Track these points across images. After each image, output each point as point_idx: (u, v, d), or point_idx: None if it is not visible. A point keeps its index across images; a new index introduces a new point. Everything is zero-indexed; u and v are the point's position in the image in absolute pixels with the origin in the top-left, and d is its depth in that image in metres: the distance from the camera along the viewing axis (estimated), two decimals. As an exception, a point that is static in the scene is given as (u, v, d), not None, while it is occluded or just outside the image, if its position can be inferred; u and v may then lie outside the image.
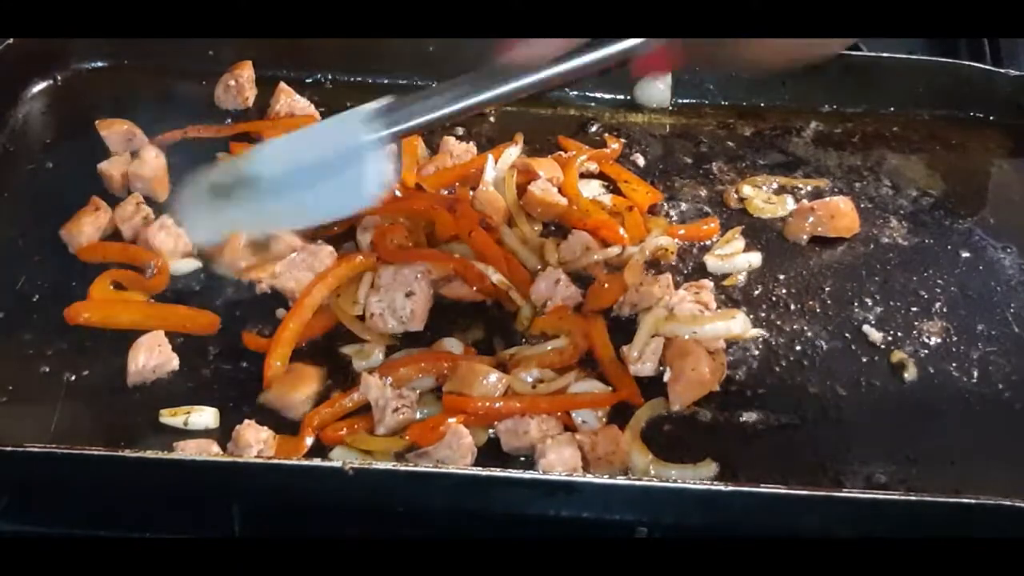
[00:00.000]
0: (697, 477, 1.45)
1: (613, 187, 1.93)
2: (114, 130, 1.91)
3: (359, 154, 1.43)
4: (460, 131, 2.01)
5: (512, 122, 2.05)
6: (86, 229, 1.73)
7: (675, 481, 1.39)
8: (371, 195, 1.47)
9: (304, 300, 1.62)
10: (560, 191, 1.85)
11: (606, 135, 2.04)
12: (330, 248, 1.70)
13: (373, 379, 1.52)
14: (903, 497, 1.36)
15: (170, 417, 1.49)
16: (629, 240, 1.77)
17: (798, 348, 1.66)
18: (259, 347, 1.58)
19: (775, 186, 1.96)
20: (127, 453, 1.36)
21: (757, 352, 1.65)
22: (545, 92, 1.53)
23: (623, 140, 2.03)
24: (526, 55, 1.42)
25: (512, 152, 1.93)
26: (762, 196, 1.92)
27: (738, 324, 1.66)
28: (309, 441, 1.48)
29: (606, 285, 1.69)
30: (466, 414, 1.49)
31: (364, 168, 1.43)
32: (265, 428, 1.46)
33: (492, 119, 2.07)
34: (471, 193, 1.85)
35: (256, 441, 1.43)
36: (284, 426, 1.49)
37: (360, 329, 1.63)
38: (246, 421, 1.47)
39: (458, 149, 1.94)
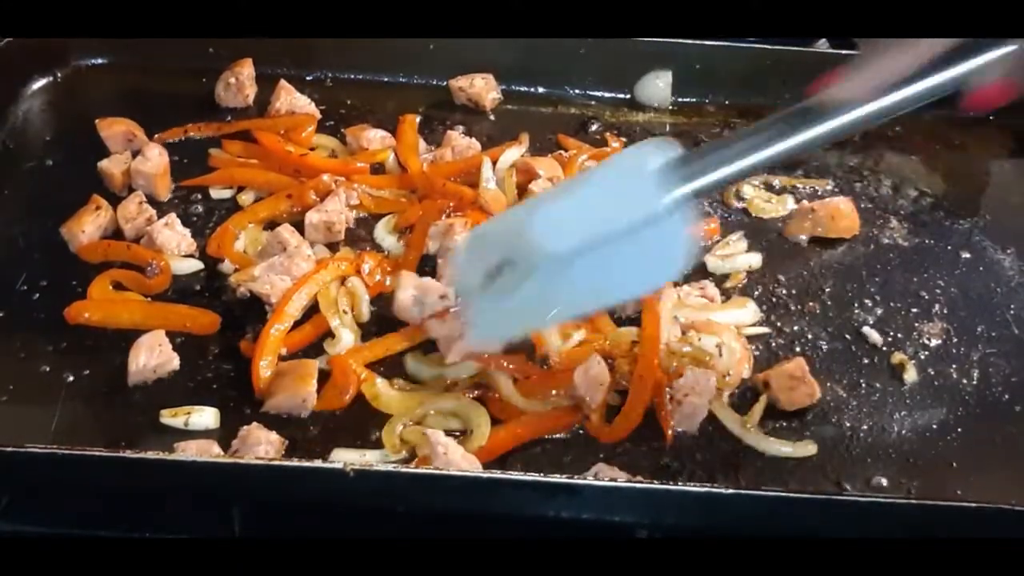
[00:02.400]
0: (796, 454, 1.49)
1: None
2: (114, 130, 1.91)
3: (657, 221, 1.20)
4: (461, 128, 2.01)
5: (512, 121, 2.05)
6: (87, 228, 1.73)
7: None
8: (676, 267, 1.25)
9: (283, 306, 1.60)
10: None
11: (607, 134, 2.04)
12: (308, 251, 1.69)
13: (434, 321, 1.56)
14: (903, 500, 1.36)
15: (170, 417, 1.49)
16: None
17: (798, 349, 1.66)
18: (252, 352, 1.58)
19: (776, 185, 1.96)
20: (127, 453, 1.36)
21: (757, 353, 1.65)
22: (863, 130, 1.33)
23: (623, 139, 2.03)
24: (848, 90, 1.24)
25: (514, 152, 1.93)
26: (762, 196, 1.92)
27: (749, 313, 1.69)
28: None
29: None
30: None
31: (664, 237, 1.21)
32: (273, 431, 1.46)
33: (492, 117, 2.07)
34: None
35: (266, 441, 1.43)
36: (287, 427, 1.49)
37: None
38: (254, 424, 1.47)
39: (460, 144, 1.94)
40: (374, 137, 1.95)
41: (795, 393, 1.55)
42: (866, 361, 1.64)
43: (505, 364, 1.56)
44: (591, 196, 1.29)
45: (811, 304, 1.73)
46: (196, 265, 1.73)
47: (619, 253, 1.21)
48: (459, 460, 1.41)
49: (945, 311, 1.73)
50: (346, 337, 1.61)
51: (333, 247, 1.76)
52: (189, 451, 1.41)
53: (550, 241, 1.23)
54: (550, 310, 1.31)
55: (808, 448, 1.50)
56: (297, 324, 1.62)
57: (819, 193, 1.95)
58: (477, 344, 1.48)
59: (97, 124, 1.91)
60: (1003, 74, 1.25)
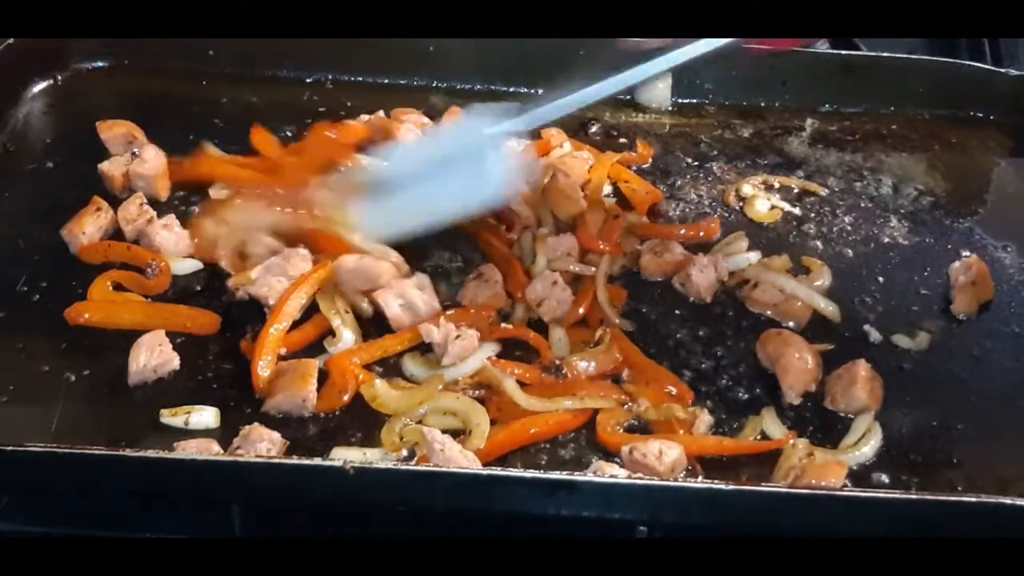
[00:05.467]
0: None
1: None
2: (114, 132, 1.91)
3: (480, 151, 1.50)
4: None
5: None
6: (88, 229, 1.73)
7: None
8: (499, 189, 1.52)
9: (282, 306, 1.60)
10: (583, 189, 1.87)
11: (637, 139, 2.04)
12: (304, 251, 1.68)
13: (429, 325, 1.58)
14: (904, 496, 1.36)
15: (170, 417, 1.49)
16: (609, 250, 1.77)
17: (798, 347, 1.65)
18: (251, 351, 1.58)
19: (775, 186, 1.96)
20: (127, 453, 1.35)
21: (758, 352, 1.65)
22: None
23: (623, 140, 2.03)
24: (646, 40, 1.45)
25: (560, 151, 1.96)
26: (763, 203, 1.92)
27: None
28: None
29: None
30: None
31: (490, 163, 1.50)
32: (276, 432, 1.46)
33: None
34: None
35: (268, 439, 1.43)
36: (287, 427, 1.49)
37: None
38: (256, 423, 1.46)
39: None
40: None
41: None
42: (866, 359, 1.63)
43: (512, 369, 1.56)
44: (436, 134, 1.83)
45: (811, 303, 1.73)
46: (196, 265, 1.73)
47: (450, 179, 1.57)
48: (457, 457, 1.41)
49: (945, 309, 1.73)
50: (347, 336, 1.61)
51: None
52: (189, 450, 1.41)
53: (408, 163, 1.64)
54: (411, 216, 1.64)
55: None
56: (297, 324, 1.62)
57: (818, 197, 1.95)
58: (367, 234, 1.69)
59: (98, 126, 1.91)
60: None
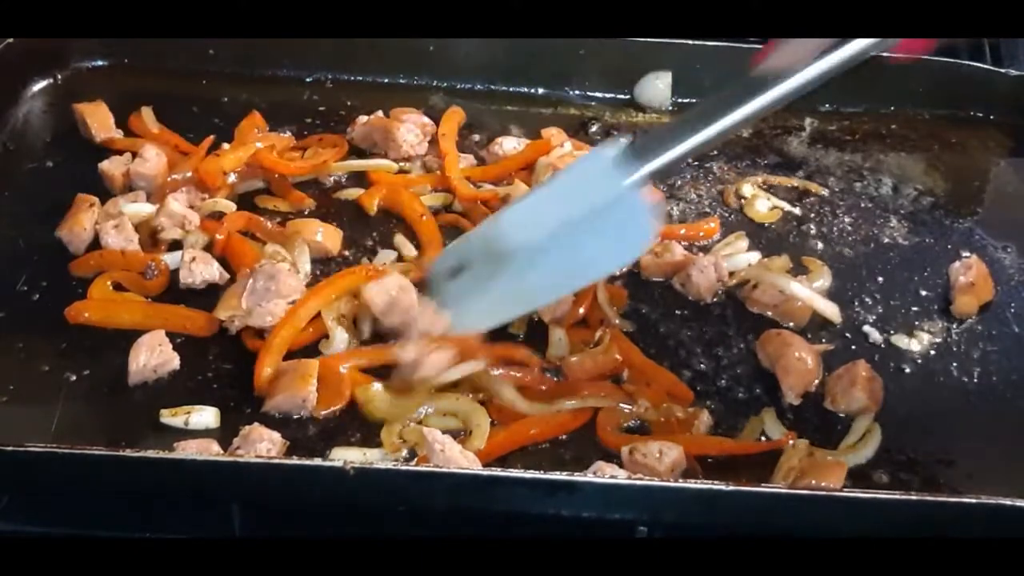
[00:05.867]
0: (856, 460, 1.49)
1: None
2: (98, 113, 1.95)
3: (617, 203, 1.31)
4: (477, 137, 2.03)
5: (512, 121, 2.06)
6: (87, 225, 1.73)
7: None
8: (640, 244, 1.36)
9: (299, 310, 1.60)
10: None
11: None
12: (286, 266, 1.65)
13: (403, 346, 1.54)
14: (904, 497, 1.35)
15: (170, 417, 1.49)
16: None
17: (798, 348, 1.66)
18: (258, 347, 1.58)
19: (775, 186, 1.96)
20: (127, 453, 1.35)
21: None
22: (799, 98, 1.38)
23: (624, 140, 2.03)
24: (781, 62, 1.32)
25: (560, 151, 1.94)
26: (763, 203, 1.92)
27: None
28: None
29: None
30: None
31: (626, 217, 1.32)
32: (276, 432, 1.46)
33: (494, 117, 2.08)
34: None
35: (268, 439, 1.43)
36: (287, 427, 1.49)
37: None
38: (256, 423, 1.46)
39: (508, 145, 1.97)
40: (509, 147, 1.96)
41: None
42: (866, 359, 1.63)
43: (509, 373, 1.56)
44: (553, 191, 1.48)
45: (811, 303, 1.73)
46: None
47: (585, 238, 1.33)
48: (457, 458, 1.41)
49: (945, 309, 1.73)
50: (339, 338, 1.60)
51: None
52: (189, 450, 1.41)
53: (517, 232, 1.36)
54: (528, 295, 1.42)
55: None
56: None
57: (819, 198, 1.95)
58: (460, 330, 1.51)
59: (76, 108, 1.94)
60: None
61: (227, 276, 1.69)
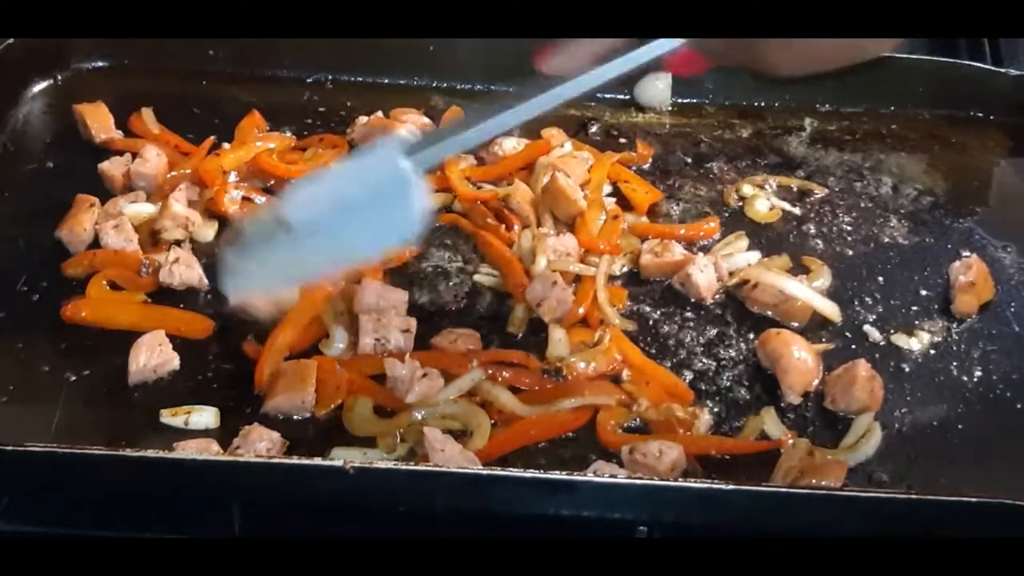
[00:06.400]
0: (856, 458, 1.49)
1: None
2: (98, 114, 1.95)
3: (395, 187, 1.35)
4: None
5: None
6: (88, 226, 1.73)
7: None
8: (411, 229, 1.37)
9: (295, 315, 1.61)
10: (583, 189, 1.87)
11: (637, 139, 2.04)
12: None
13: (394, 360, 1.53)
14: (903, 496, 1.36)
15: (170, 417, 1.49)
16: (608, 250, 1.77)
17: (798, 347, 1.65)
18: (257, 354, 1.58)
19: (774, 186, 1.96)
20: (127, 453, 1.35)
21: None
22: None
23: (624, 140, 2.03)
24: (561, 64, 1.37)
25: (556, 152, 1.95)
26: (763, 203, 1.92)
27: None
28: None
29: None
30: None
31: (399, 202, 1.35)
32: (275, 432, 1.46)
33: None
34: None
35: (268, 438, 1.43)
36: (287, 427, 1.49)
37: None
38: (256, 423, 1.46)
39: (508, 145, 1.97)
40: (509, 147, 1.96)
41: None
42: (867, 359, 1.63)
43: (506, 376, 1.56)
44: (338, 172, 1.55)
45: (811, 303, 1.73)
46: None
47: (360, 217, 1.37)
48: (457, 457, 1.41)
49: (945, 309, 1.73)
50: (339, 338, 1.61)
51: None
52: (189, 450, 1.41)
53: (300, 207, 1.41)
54: (304, 266, 1.45)
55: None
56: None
57: (820, 198, 1.95)
58: (234, 296, 1.54)
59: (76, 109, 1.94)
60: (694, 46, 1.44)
61: (207, 283, 1.69)
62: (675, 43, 1.42)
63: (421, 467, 1.38)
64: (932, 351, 1.67)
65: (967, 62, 2.15)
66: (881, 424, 1.53)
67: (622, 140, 2.05)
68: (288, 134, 1.99)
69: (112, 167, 1.85)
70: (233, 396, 1.54)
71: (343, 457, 1.44)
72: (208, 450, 1.42)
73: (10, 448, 1.32)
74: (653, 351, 1.63)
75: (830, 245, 1.85)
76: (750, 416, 1.54)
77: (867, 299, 1.75)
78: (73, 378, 1.55)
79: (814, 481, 1.40)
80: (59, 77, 2.09)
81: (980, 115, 2.14)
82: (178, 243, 1.73)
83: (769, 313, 1.70)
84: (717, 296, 1.73)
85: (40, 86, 2.07)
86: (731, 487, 1.32)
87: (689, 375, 1.60)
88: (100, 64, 2.12)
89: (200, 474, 1.33)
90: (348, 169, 1.50)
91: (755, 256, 1.80)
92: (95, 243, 1.73)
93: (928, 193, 1.98)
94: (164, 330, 1.59)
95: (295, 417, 1.51)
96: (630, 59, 1.39)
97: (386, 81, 2.13)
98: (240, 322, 1.63)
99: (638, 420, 1.54)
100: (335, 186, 1.42)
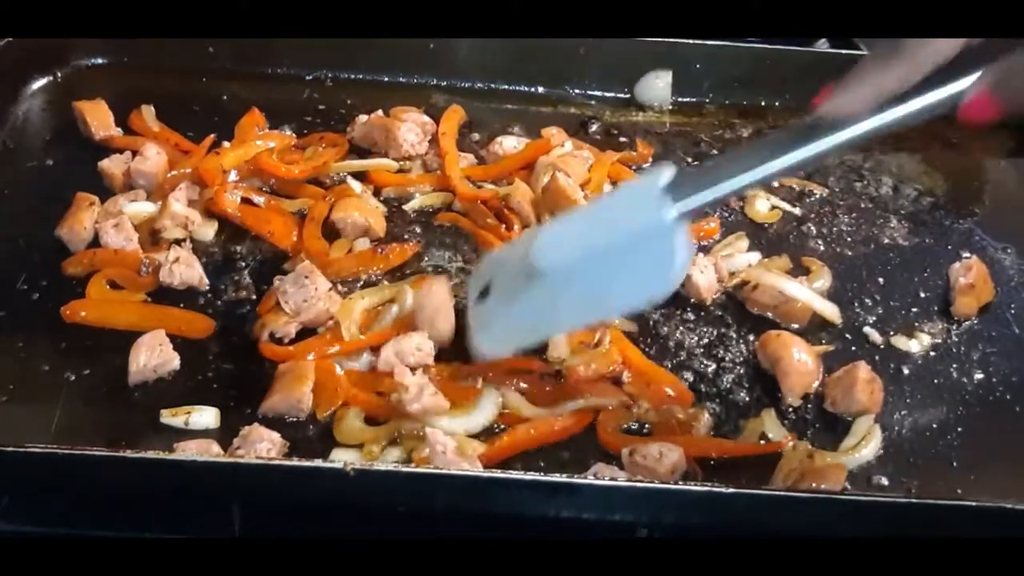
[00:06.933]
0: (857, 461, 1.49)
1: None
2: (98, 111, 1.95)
3: (656, 235, 1.26)
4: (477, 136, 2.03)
5: (513, 120, 2.05)
6: (88, 224, 1.73)
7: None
8: (675, 279, 1.29)
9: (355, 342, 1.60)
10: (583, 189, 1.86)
11: (637, 138, 2.04)
12: (308, 264, 1.65)
13: (406, 368, 1.52)
14: (903, 499, 1.36)
15: (171, 417, 1.49)
16: None
17: (798, 348, 1.66)
18: (276, 356, 1.57)
19: (775, 186, 1.96)
20: (127, 453, 1.35)
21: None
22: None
23: (624, 139, 2.03)
24: (842, 106, 1.25)
25: (556, 152, 1.94)
26: (763, 203, 1.92)
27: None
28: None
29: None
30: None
31: (662, 251, 1.25)
32: (276, 432, 1.46)
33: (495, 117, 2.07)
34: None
35: (268, 439, 1.43)
36: (286, 428, 1.49)
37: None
38: (256, 424, 1.46)
39: (508, 144, 1.97)
40: (509, 146, 1.96)
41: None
42: (866, 360, 1.63)
43: (516, 379, 1.56)
44: (593, 214, 1.42)
45: (811, 304, 1.73)
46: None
47: (618, 266, 1.28)
48: (459, 460, 1.41)
49: (945, 311, 1.73)
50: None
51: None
52: (189, 451, 1.41)
53: (551, 252, 1.31)
54: (554, 319, 1.38)
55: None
56: (312, 331, 1.63)
57: (819, 196, 1.95)
58: (487, 352, 1.48)
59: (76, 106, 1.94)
60: (990, 88, 1.27)
61: (207, 283, 1.69)
62: (967, 83, 1.26)
63: (421, 469, 1.38)
64: (932, 353, 1.67)
65: (967, 62, 2.15)
66: (881, 426, 1.53)
67: (622, 139, 2.05)
68: (288, 132, 1.99)
69: (112, 165, 1.84)
70: (233, 396, 1.54)
71: (343, 458, 1.44)
72: (208, 450, 1.42)
73: (10, 448, 1.31)
74: (653, 352, 1.63)
75: (830, 246, 1.85)
76: (750, 418, 1.54)
77: (867, 300, 1.75)
78: (73, 378, 1.54)
79: (814, 484, 1.40)
80: (59, 74, 2.09)
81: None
82: (178, 242, 1.73)
83: (769, 314, 1.70)
84: (717, 297, 1.73)
85: (40, 83, 2.07)
86: (731, 490, 1.32)
87: (689, 376, 1.60)
88: (100, 61, 2.12)
89: (200, 474, 1.33)
90: (605, 210, 1.41)
91: (755, 257, 1.80)
92: (95, 242, 1.73)
93: (928, 193, 1.98)
94: (164, 330, 1.59)
95: (294, 418, 1.51)
96: (918, 102, 1.27)
97: (386, 79, 2.13)
98: (241, 321, 1.63)
99: (638, 422, 1.53)
100: (590, 230, 1.33)
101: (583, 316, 1.42)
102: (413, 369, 1.53)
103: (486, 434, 1.50)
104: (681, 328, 1.68)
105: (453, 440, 1.44)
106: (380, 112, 2.00)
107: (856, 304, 1.74)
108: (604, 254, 1.29)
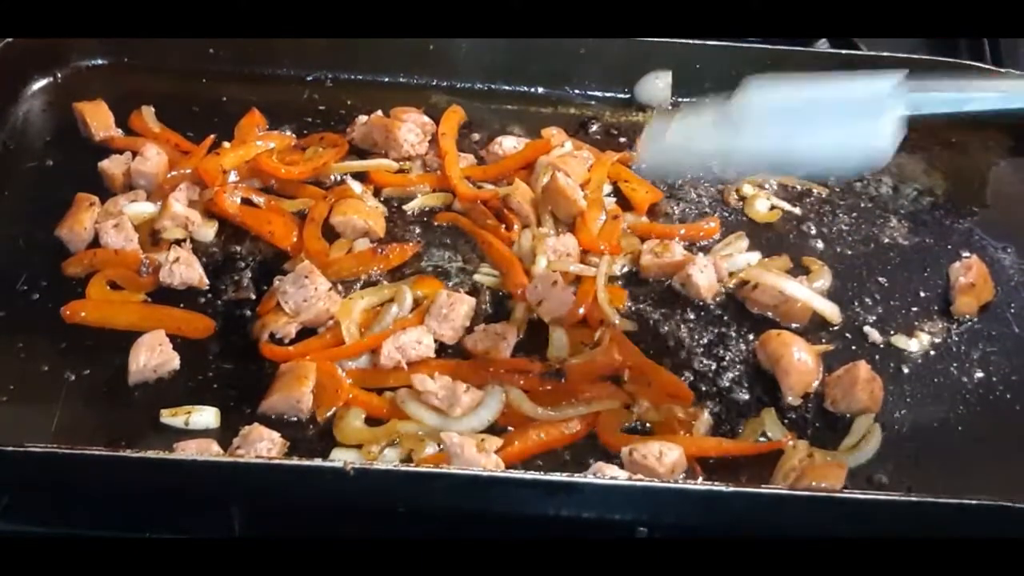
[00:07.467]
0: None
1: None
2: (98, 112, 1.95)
3: (874, 109, 1.29)
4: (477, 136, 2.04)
5: (512, 120, 2.05)
6: (88, 224, 1.73)
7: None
8: (882, 156, 1.33)
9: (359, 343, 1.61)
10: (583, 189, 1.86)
11: (637, 139, 2.03)
12: (308, 264, 1.65)
13: (423, 376, 1.53)
14: (903, 497, 1.36)
15: (171, 417, 1.49)
16: (609, 250, 1.77)
17: (798, 348, 1.65)
18: (276, 356, 1.58)
19: (774, 186, 1.95)
20: (127, 453, 1.36)
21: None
22: None
23: (623, 139, 2.03)
24: None
25: (557, 151, 1.94)
26: (763, 203, 1.92)
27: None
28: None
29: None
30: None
31: (878, 125, 1.29)
32: (276, 432, 1.46)
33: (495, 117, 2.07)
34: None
35: (268, 438, 1.43)
36: (286, 428, 1.49)
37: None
38: (256, 423, 1.46)
39: (508, 144, 1.96)
40: (509, 146, 1.96)
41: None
42: (867, 360, 1.63)
43: (517, 377, 1.56)
44: (824, 80, 1.46)
45: (811, 303, 1.73)
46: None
47: (830, 126, 1.31)
48: (479, 459, 1.41)
49: (945, 310, 1.73)
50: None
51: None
52: (189, 450, 1.41)
53: (762, 93, 1.35)
54: (736, 156, 1.45)
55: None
56: (312, 331, 1.63)
57: (819, 196, 1.95)
58: (648, 160, 1.53)
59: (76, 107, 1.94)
60: None
61: (207, 282, 1.69)
62: None
63: (421, 468, 1.39)
64: (932, 352, 1.67)
65: (967, 62, 2.15)
66: (881, 425, 1.53)
67: (622, 139, 2.05)
68: (288, 133, 1.99)
69: (112, 165, 1.84)
70: (233, 396, 1.54)
71: (343, 458, 1.44)
72: (208, 450, 1.42)
73: (10, 448, 1.32)
74: (653, 351, 1.63)
75: (830, 245, 1.85)
76: (750, 417, 1.54)
77: (867, 300, 1.75)
78: (73, 378, 1.55)
79: (814, 483, 1.40)
80: (59, 75, 2.08)
81: (980, 115, 2.13)
82: (178, 242, 1.73)
83: (769, 314, 1.70)
84: (717, 297, 1.73)
85: (40, 84, 2.06)
86: (731, 489, 1.32)
87: (689, 376, 1.60)
88: (100, 62, 2.12)
89: (200, 474, 1.33)
90: (835, 79, 1.44)
91: (755, 256, 1.80)
92: (95, 242, 1.73)
93: (928, 193, 1.98)
94: (164, 330, 1.59)
95: (294, 418, 1.51)
96: None
97: (386, 80, 2.12)
98: (241, 321, 1.63)
99: (638, 421, 1.53)
100: (808, 85, 1.35)
101: (772, 160, 1.47)
102: (412, 364, 1.54)
103: (488, 431, 1.50)
104: (681, 328, 1.68)
105: (471, 439, 1.44)
106: (380, 112, 2.00)
107: (856, 303, 1.74)
108: (814, 106, 1.33)
